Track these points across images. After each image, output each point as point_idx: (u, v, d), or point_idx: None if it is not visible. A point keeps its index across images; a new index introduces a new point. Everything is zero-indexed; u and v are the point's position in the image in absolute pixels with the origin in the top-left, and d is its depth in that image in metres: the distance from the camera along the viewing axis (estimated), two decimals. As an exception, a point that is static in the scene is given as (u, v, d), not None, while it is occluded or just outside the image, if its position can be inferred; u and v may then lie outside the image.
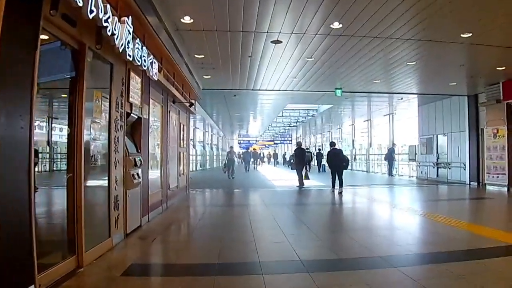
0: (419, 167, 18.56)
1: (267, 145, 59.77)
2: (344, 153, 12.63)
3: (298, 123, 30.38)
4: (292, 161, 15.98)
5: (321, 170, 25.38)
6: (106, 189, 4.87)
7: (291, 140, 50.95)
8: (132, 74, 5.77)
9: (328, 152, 12.63)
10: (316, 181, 16.38)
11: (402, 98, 16.36)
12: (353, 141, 29.61)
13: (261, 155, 47.62)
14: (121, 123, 5.35)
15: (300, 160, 14.09)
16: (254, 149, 42.75)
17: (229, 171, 18.00)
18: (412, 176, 19.13)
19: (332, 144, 12.79)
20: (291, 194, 11.87)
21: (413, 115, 23.36)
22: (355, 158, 28.59)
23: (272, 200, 10.45)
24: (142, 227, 6.28)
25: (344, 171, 11.70)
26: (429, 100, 16.44)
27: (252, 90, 13.53)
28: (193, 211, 8.69)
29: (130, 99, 5.70)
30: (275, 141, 52.98)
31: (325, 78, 11.70)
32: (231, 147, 19.23)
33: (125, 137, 5.57)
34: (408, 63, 9.69)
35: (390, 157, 20.32)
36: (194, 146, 28.73)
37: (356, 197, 11.03)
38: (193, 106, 12.46)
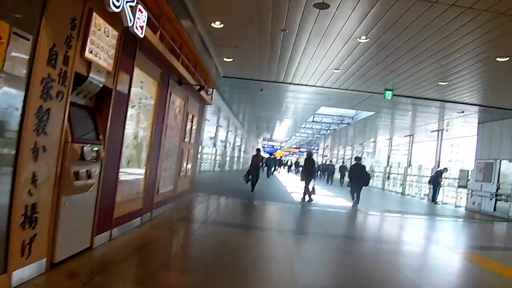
0: (471, 196, 15.61)
1: (291, 152, 57.47)
2: (375, 169, 12.63)
3: (328, 131, 27.74)
4: (300, 171, 13.85)
5: (342, 182, 23.39)
6: (4, 194, 2.76)
7: (317, 149, 48.42)
8: (98, 19, 3.68)
9: (351, 166, 12.84)
10: (333, 195, 13.94)
11: (463, 112, 13.62)
12: (388, 157, 26.73)
13: (283, 162, 45.25)
14: (60, 88, 3.23)
15: (310, 172, 12.27)
16: (275, 155, 40.76)
17: (253, 180, 13.45)
18: (460, 206, 16.21)
19: (357, 159, 12.78)
20: (310, 215, 9.50)
21: (468, 134, 20.57)
22: (388, 177, 25.72)
23: (290, 223, 8.15)
24: (93, 249, 4.14)
25: (376, 190, 9.80)
26: (495, 117, 13.61)
27: (282, 83, 11.27)
28: (183, 228, 6.39)
29: (89, 55, 3.59)
30: (301, 149, 50.48)
31: (376, 73, 9.32)
32: (258, 150, 14.91)
33: (70, 112, 3.46)
34: (498, 59, 7.16)
35: (435, 181, 17.40)
36: (214, 145, 26.80)
37: (402, 232, 8.50)
38: (210, 95, 10.37)
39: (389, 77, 9.84)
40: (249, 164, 14.91)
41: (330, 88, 11.30)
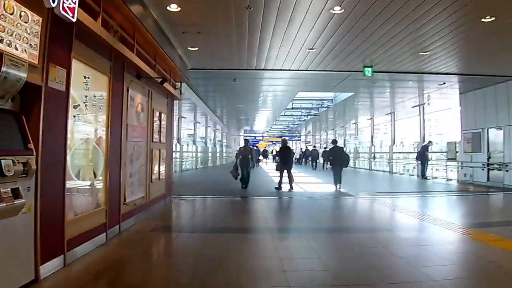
0: (461, 168, 15.34)
1: (274, 142, 57.00)
2: (361, 150, 12.57)
3: (309, 117, 27.20)
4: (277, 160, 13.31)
5: (325, 167, 23.15)
6: None
7: (300, 137, 48.11)
8: (9, 0, 2.92)
9: (330, 149, 12.83)
10: (320, 182, 13.48)
11: (444, 83, 13.21)
12: (372, 137, 26.47)
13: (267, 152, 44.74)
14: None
15: (286, 160, 11.98)
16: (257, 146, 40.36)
17: (243, 175, 12.36)
18: (451, 180, 15.97)
19: (334, 141, 12.78)
20: (300, 207, 8.91)
21: (449, 106, 20.43)
22: (374, 156, 25.47)
23: (278, 219, 7.53)
24: (39, 281, 3.42)
25: (363, 172, 9.60)
26: (476, 85, 13.30)
27: (255, 70, 10.57)
28: (156, 240, 5.63)
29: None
30: (283, 138, 49.86)
31: (353, 49, 8.73)
32: (246, 141, 13.43)
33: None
34: (483, 20, 6.63)
35: (423, 156, 17.08)
36: (194, 142, 25.97)
37: (397, 214, 8.00)
38: (178, 90, 9.60)
39: (367, 53, 9.25)
40: (236, 158, 13.80)
41: (306, 70, 10.66)
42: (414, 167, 20.20)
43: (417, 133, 20.93)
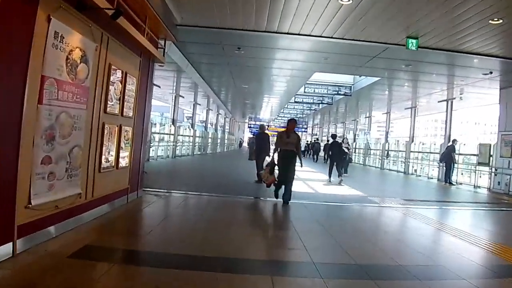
0: (495, 175, 12.96)
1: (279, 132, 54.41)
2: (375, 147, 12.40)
3: (320, 106, 24.54)
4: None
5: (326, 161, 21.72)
6: None
7: (306, 128, 45.62)
8: None
9: (330, 144, 13.31)
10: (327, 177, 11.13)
11: (491, 72, 10.69)
12: (386, 133, 23.92)
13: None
14: None
15: (262, 148, 10.48)
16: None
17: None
18: (479, 187, 13.56)
19: (333, 136, 13.14)
20: (322, 219, 6.45)
21: (485, 103, 17.94)
22: (387, 154, 22.98)
23: (296, 243, 5.09)
24: None
25: (374, 170, 9.64)
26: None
27: (265, 32, 8.07)
28: (70, 282, 3.27)
29: None
30: (262, 123, 47.32)
31: (401, 7, 6.23)
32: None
33: None
34: None
35: (449, 157, 14.64)
36: (192, 126, 23.60)
37: (470, 243, 5.57)
38: (161, 50, 7.18)
39: (418, 16, 6.83)
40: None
41: (331, 38, 8.15)
42: (433, 169, 17.92)
43: (436, 132, 18.55)
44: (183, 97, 20.15)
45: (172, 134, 19.06)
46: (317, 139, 36.69)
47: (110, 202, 5.49)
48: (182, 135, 21.77)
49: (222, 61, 12.00)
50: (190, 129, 23.45)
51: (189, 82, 16.21)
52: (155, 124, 18.68)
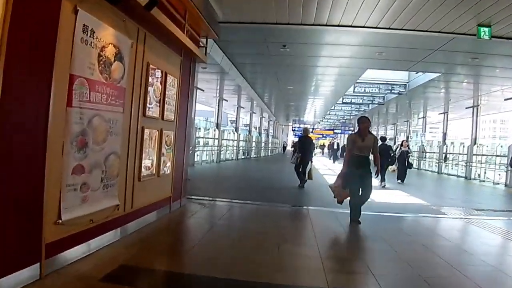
0: None
1: (324, 135, 53.25)
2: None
3: (370, 107, 23.20)
4: (298, 154, 10.63)
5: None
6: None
7: (353, 130, 43.93)
8: None
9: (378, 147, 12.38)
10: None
11: None
12: (444, 134, 22.12)
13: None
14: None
15: (305, 153, 10.26)
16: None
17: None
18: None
19: (383, 139, 12.37)
20: (389, 237, 5.58)
21: None
22: (445, 157, 21.20)
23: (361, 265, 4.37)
24: None
25: (431, 175, 10.85)
26: None
27: (313, 25, 7.38)
28: None
29: None
30: (335, 131, 46.18)
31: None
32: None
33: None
34: None
35: (518, 159, 13.03)
36: (236, 130, 23.33)
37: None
38: (203, 49, 6.77)
39: (488, 1, 5.85)
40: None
41: (388, 29, 7.30)
42: (499, 174, 16.09)
43: (495, 133, 16.76)
44: (226, 100, 19.90)
45: (216, 139, 18.83)
46: (387, 140, 35.37)
47: (151, 213, 5.09)
48: (226, 139, 21.55)
49: (267, 61, 11.44)
50: (234, 133, 23.19)
51: (233, 85, 15.86)
52: (200, 128, 18.56)
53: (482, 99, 17.27)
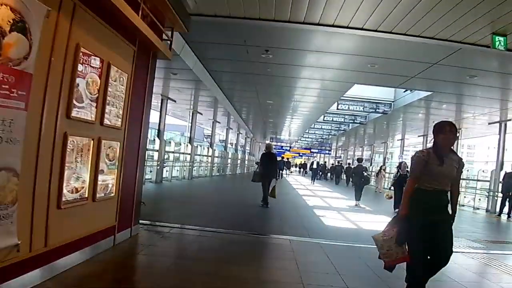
0: None
1: (300, 154, 52.57)
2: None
3: (350, 126, 22.40)
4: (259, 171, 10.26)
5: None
6: None
7: (330, 151, 43.47)
8: None
9: (354, 168, 13.50)
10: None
11: None
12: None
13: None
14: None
15: (270, 169, 9.73)
16: (283, 157, 36.95)
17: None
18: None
19: (359, 160, 13.05)
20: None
21: None
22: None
23: None
24: None
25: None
26: None
27: (303, 24, 6.28)
28: None
29: None
30: (312, 150, 45.56)
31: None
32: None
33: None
34: None
35: (507, 186, 12.22)
36: (211, 145, 21.97)
37: None
38: (167, 42, 5.55)
39: (506, 7, 4.97)
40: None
41: (388, 33, 6.28)
42: (479, 199, 15.52)
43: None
44: (201, 113, 18.59)
45: (189, 154, 17.40)
46: (338, 162, 36.08)
47: (80, 251, 3.70)
48: (199, 155, 20.14)
49: (246, 69, 10.26)
50: (208, 149, 21.82)
51: (208, 96, 14.58)
52: (169, 142, 17.12)
53: (464, 122, 16.76)
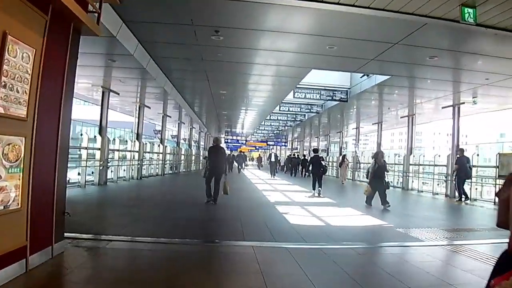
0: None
1: (257, 147, 52.30)
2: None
3: (306, 116, 22.06)
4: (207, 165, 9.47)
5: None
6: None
7: (286, 143, 43.48)
8: None
9: (311, 158, 13.44)
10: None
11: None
12: (378, 144, 21.77)
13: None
14: None
15: (218, 164, 9.13)
16: (241, 151, 36.73)
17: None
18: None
19: (315, 151, 13.42)
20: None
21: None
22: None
23: None
24: None
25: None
26: None
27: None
28: None
29: None
30: (268, 142, 45.41)
31: None
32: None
33: None
34: None
35: (464, 170, 12.40)
36: (161, 142, 20.62)
37: None
38: (93, 15, 4.49)
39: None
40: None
41: (352, 6, 5.64)
42: (438, 184, 15.76)
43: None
44: (149, 107, 17.26)
45: (137, 152, 16.04)
46: (297, 153, 35.81)
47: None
48: (149, 152, 18.77)
49: (195, 54, 9.27)
50: (159, 146, 20.46)
51: (156, 87, 13.36)
52: (114, 139, 15.64)
53: (416, 108, 16.97)
